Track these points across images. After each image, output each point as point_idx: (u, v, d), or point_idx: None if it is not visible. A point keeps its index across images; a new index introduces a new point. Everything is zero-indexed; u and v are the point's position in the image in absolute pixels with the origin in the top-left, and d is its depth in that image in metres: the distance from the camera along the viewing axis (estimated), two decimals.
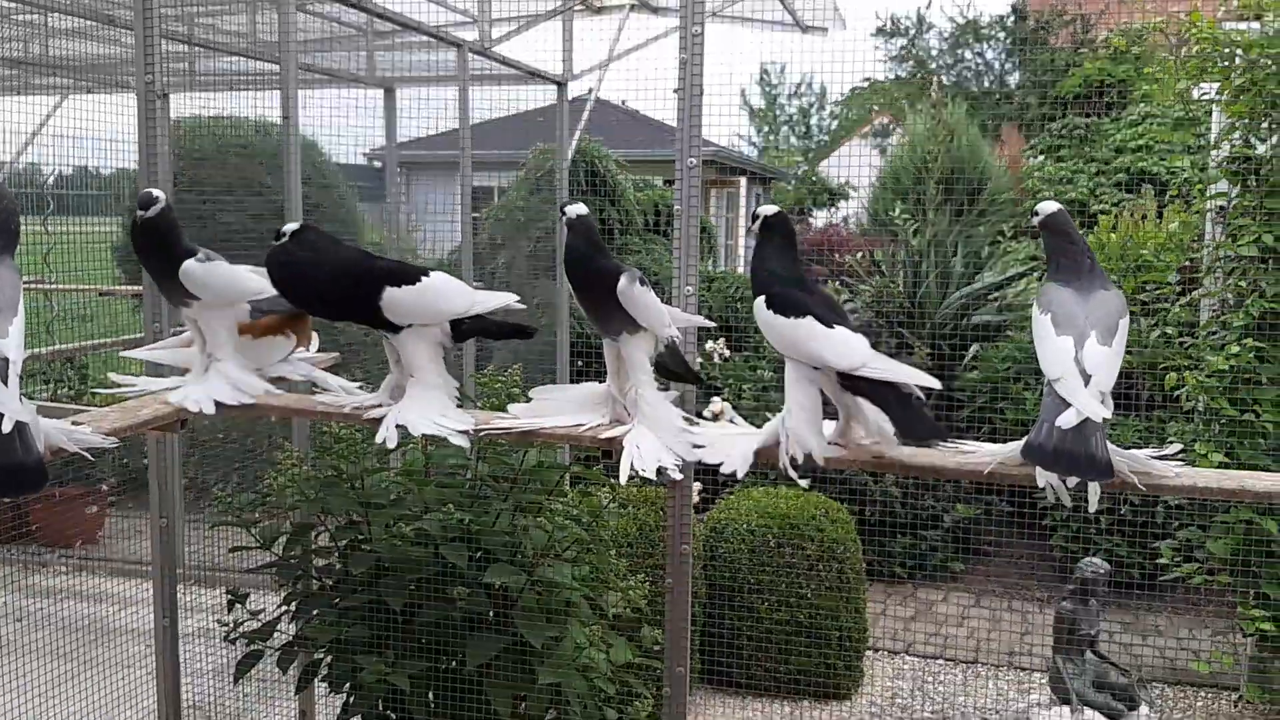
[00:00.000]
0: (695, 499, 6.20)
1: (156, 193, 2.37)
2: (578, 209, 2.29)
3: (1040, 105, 13.78)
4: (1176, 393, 4.64)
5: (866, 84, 19.87)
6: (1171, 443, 2.19)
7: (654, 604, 3.88)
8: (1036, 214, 2.17)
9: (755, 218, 2.22)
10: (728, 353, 7.14)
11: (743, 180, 14.07)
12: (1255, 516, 4.29)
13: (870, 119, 19.14)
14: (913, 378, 2.02)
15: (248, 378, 2.41)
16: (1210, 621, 5.39)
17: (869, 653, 5.13)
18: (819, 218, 17.24)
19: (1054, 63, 13.10)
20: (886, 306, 7.06)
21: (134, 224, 2.38)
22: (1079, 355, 1.94)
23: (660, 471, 2.12)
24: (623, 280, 2.20)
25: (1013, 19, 14.58)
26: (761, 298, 2.13)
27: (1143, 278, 5.99)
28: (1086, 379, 1.92)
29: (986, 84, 15.11)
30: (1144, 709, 3.97)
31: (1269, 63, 4.36)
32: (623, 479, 2.11)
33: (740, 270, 12.32)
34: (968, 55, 15.51)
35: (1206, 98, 5.24)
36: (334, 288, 2.22)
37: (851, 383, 2.04)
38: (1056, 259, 2.13)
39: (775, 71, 22.41)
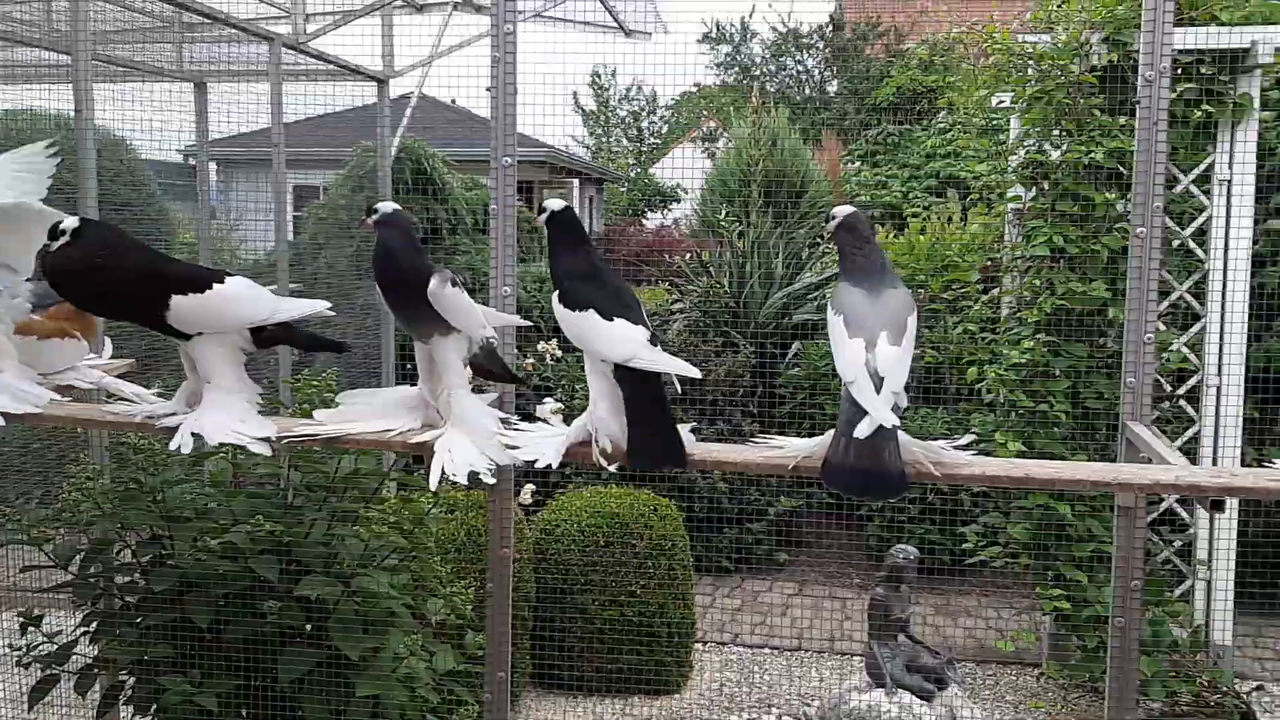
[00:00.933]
0: (528, 500, 6.20)
1: None
2: (388, 206, 2.24)
3: (858, 113, 14.35)
4: (978, 385, 4.90)
5: (696, 89, 20.24)
6: (972, 432, 2.31)
7: (481, 609, 3.84)
8: (833, 217, 2.25)
9: (542, 211, 2.23)
10: (560, 353, 7.13)
11: (575, 181, 14.11)
12: (1051, 502, 4.57)
13: (700, 124, 19.49)
14: (678, 368, 2.08)
15: (29, 386, 2.26)
16: (1015, 602, 5.71)
17: (698, 645, 5.22)
18: (652, 219, 17.48)
19: (869, 72, 13.64)
20: (713, 306, 7.20)
21: None
22: (871, 357, 2.02)
23: (473, 476, 2.10)
24: (434, 281, 2.17)
25: (830, 29, 15.11)
26: (556, 292, 2.15)
27: (948, 277, 6.31)
28: (879, 381, 1.99)
29: (807, 91, 15.60)
30: (953, 688, 4.17)
31: (1058, 73, 4.66)
32: (432, 484, 2.08)
33: None
34: (790, 63, 15.98)
35: (1004, 106, 5.56)
36: (118, 294, 2.10)
37: (621, 374, 2.07)
38: (850, 259, 2.21)
39: (606, 74, 22.62)
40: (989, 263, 6.28)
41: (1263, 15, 4.76)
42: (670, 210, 17.46)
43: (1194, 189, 4.83)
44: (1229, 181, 4.75)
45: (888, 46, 14.00)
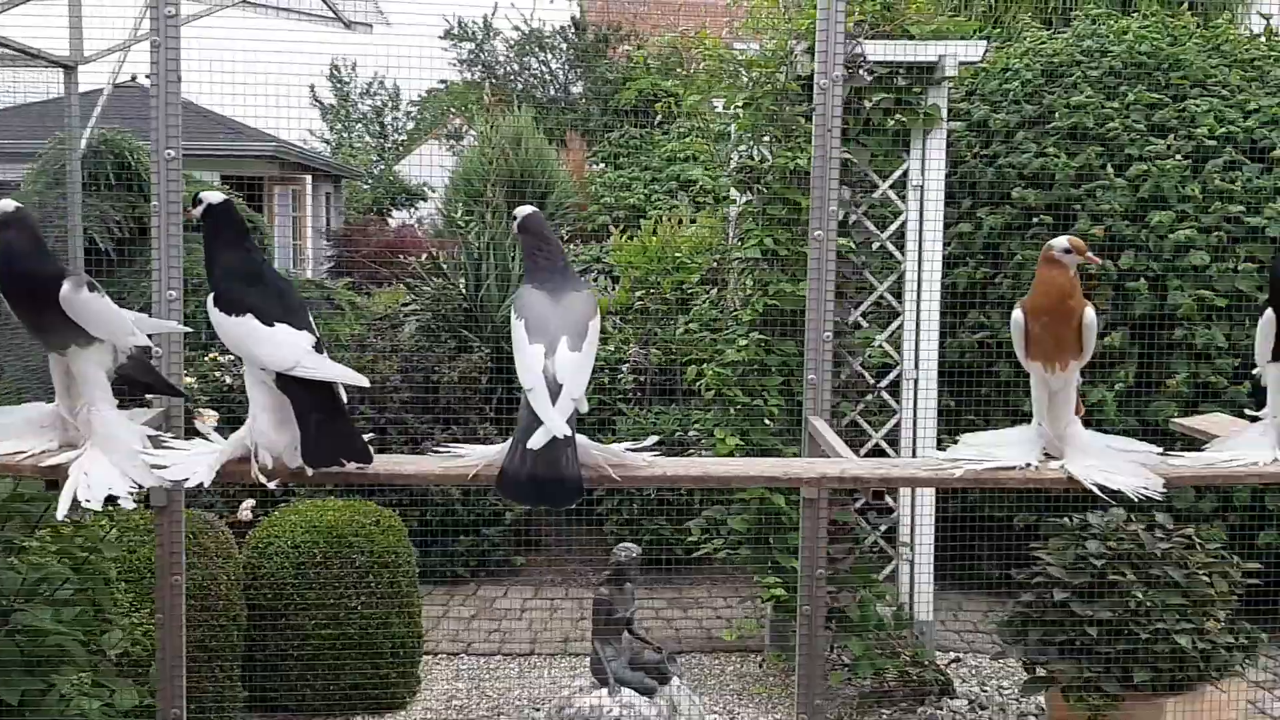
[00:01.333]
0: (248, 516, 5.84)
1: None
2: (8, 204, 2.01)
3: (602, 115, 14.51)
4: (698, 383, 5.02)
5: (444, 86, 19.88)
6: (694, 428, 2.32)
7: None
8: (515, 217, 2.21)
9: (198, 203, 2.08)
10: None
11: (308, 178, 13.54)
12: (767, 494, 4.73)
13: (446, 121, 19.20)
14: (344, 377, 1.99)
15: None
16: (742, 591, 5.89)
17: (427, 657, 5.08)
18: (398, 218, 17.05)
19: (612, 75, 13.82)
20: (446, 307, 7.05)
21: None
22: (550, 363, 1.98)
23: (111, 500, 1.91)
24: (66, 286, 1.97)
25: (573, 31, 15.22)
26: (212, 295, 2.00)
27: (677, 278, 6.45)
28: (559, 388, 1.96)
29: (553, 92, 15.66)
30: (675, 681, 4.24)
31: (765, 81, 4.83)
32: (60, 512, 1.88)
33: (309, 273, 11.84)
34: (534, 63, 15.99)
35: (722, 112, 5.72)
36: None
37: (285, 382, 1.96)
38: (533, 260, 2.17)
39: (347, 68, 21.87)
40: (715, 264, 6.47)
41: (949, 31, 5.11)
42: (417, 209, 17.10)
43: (892, 194, 5.12)
44: (922, 187, 5.07)
45: (628, 51, 14.22)
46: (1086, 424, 2.31)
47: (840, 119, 2.82)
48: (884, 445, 5.12)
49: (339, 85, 22.08)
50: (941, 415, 5.24)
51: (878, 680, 4.75)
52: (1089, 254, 2.13)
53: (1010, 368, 5.72)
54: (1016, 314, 2.25)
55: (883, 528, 5.17)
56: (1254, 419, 2.39)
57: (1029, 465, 2.20)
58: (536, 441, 1.89)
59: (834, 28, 2.71)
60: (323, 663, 4.58)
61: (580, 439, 2.10)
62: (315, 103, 20.15)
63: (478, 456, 2.12)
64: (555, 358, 1.98)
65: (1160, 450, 2.23)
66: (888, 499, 5.20)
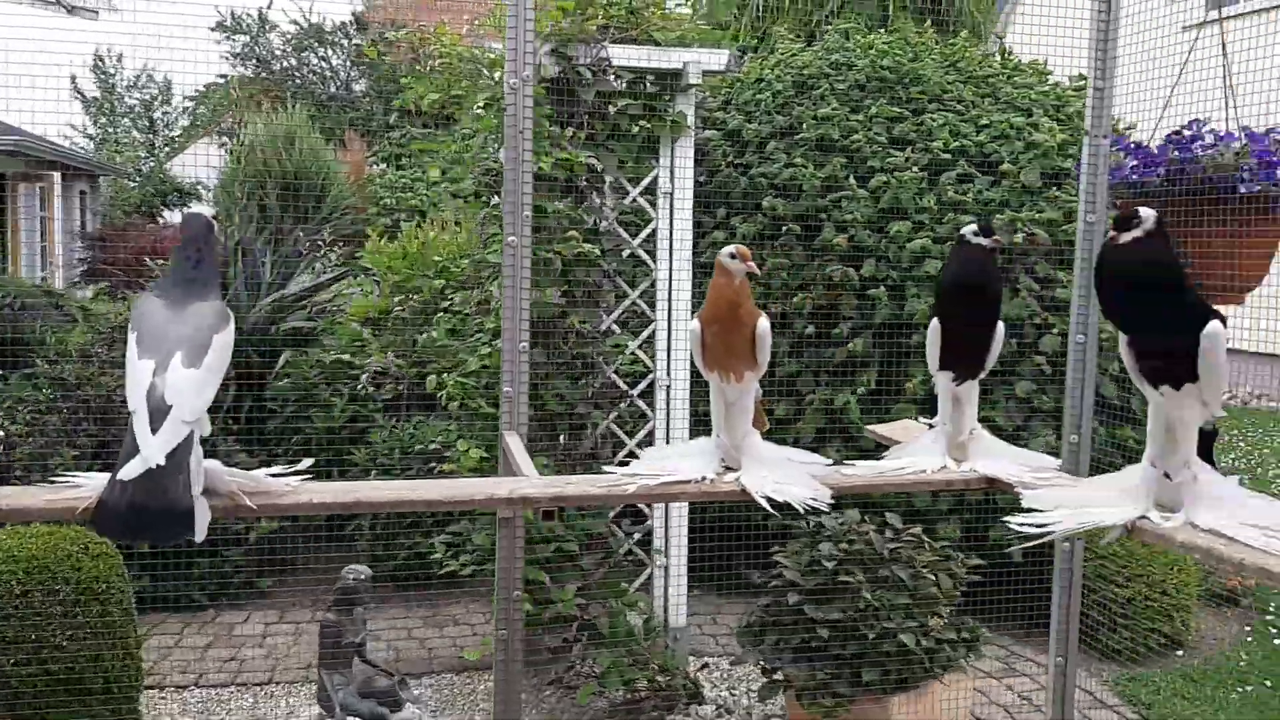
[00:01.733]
0: None
1: None
2: None
3: (385, 114, 14.10)
4: (439, 394, 4.85)
5: (225, 80, 18.92)
6: (435, 442, 2.15)
7: None
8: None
9: None
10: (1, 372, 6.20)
11: (57, 175, 12.54)
12: None
13: (223, 118, 18.26)
14: None
15: None
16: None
17: (151, 692, 4.71)
18: (167, 219, 16.09)
19: (393, 74, 13.44)
20: None
21: None
22: (159, 381, 1.78)
23: None
24: None
25: (355, 27, 14.74)
26: None
27: (437, 283, 6.26)
28: (166, 410, 1.76)
29: (333, 89, 15.11)
30: (410, 708, 4.06)
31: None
32: None
33: (59, 279, 10.97)
34: (313, 59, 15.39)
35: (473, 113, 5.57)
36: None
37: None
38: (173, 266, 2.00)
39: (112, 59, 20.38)
40: (476, 269, 6.31)
41: (694, 38, 5.13)
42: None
43: (643, 201, 5.10)
44: (671, 194, 5.07)
45: (412, 49, 13.86)
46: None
47: (531, 120, 2.72)
48: (638, 452, 5.09)
49: (103, 77, 20.65)
50: (698, 423, 5.26)
51: (629, 691, 4.70)
52: (751, 263, 2.10)
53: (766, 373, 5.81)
54: (693, 323, 2.21)
55: (636, 536, 5.13)
56: (931, 425, 2.43)
57: (705, 479, 2.16)
58: (129, 472, 1.69)
59: (523, 26, 2.62)
60: (24, 703, 4.16)
61: (212, 464, 1.92)
62: (77, 95, 18.76)
63: (94, 487, 1.90)
64: (166, 375, 1.78)
65: (830, 461, 2.23)
66: (642, 506, 5.17)
